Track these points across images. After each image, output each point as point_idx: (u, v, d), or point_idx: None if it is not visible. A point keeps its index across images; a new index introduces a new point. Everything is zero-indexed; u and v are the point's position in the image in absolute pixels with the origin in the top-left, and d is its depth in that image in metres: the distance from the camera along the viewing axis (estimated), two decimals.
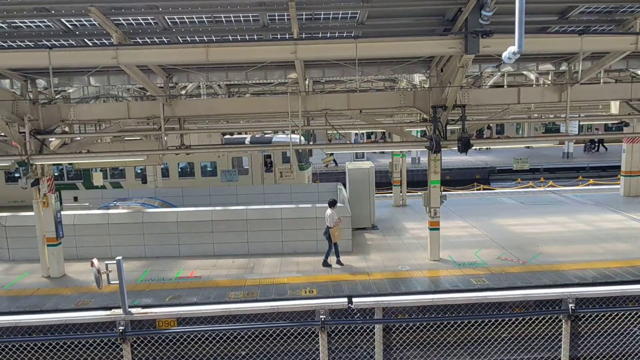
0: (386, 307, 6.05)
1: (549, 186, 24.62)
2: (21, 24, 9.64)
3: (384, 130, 23.38)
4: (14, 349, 6.53)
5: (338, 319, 6.45)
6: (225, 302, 10.19)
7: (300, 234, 13.74)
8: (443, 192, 12.81)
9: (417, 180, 28.32)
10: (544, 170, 32.83)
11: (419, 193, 17.09)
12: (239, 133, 23.48)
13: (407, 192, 19.87)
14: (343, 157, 29.62)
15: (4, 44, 10.34)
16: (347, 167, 16.89)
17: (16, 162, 11.46)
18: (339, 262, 12.53)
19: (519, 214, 17.71)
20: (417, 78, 15.37)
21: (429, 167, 12.43)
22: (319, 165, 28.28)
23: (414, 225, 16.42)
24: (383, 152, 37.02)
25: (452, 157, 31.98)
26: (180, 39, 10.36)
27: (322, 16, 9.87)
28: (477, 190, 26.09)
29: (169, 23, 9.83)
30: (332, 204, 12.62)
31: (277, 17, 9.77)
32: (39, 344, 6.16)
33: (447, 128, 11.98)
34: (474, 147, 11.79)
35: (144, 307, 6.00)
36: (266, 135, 23.97)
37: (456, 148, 11.59)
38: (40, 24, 9.67)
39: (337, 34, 10.57)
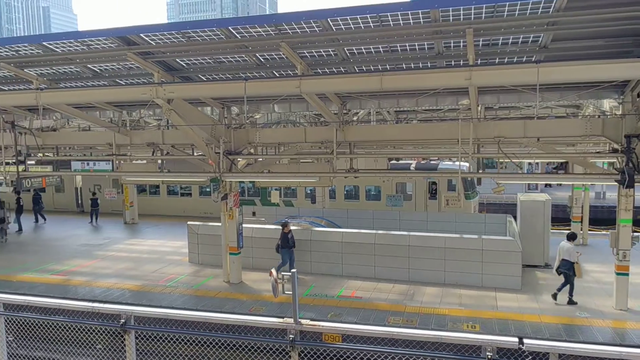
0: (563, 353, 5.49)
1: None
2: (224, 59, 11.18)
3: (562, 160, 21.41)
4: (200, 343, 7.44)
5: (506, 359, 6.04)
6: (386, 326, 10.26)
7: (465, 266, 13.23)
8: (635, 233, 11.25)
9: (600, 218, 25.28)
10: None
11: (604, 232, 15.22)
12: (411, 158, 23.67)
13: (589, 229, 17.82)
14: (514, 187, 27.79)
15: (209, 77, 12.07)
16: (518, 199, 15.83)
17: (210, 179, 13.15)
18: (571, 300, 11.68)
19: None
20: (607, 104, 13.83)
21: (619, 204, 11.04)
22: (487, 194, 26.95)
23: (596, 267, 14.63)
24: (560, 184, 33.84)
25: None
26: (356, 69, 10.95)
27: (500, 41, 9.58)
28: None
29: (348, 54, 10.48)
30: (572, 237, 11.98)
31: (452, 44, 9.76)
32: (221, 341, 6.91)
33: None
34: None
35: (311, 319, 6.35)
36: (432, 162, 23.71)
37: None
38: (239, 59, 11.10)
39: (515, 59, 10.15)
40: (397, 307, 11.78)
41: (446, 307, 11.66)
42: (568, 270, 11.54)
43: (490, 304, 11.80)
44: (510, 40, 9.51)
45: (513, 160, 12.13)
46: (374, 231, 15.05)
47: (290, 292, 6.34)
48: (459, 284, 13.14)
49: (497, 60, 10.28)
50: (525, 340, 5.70)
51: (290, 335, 6.20)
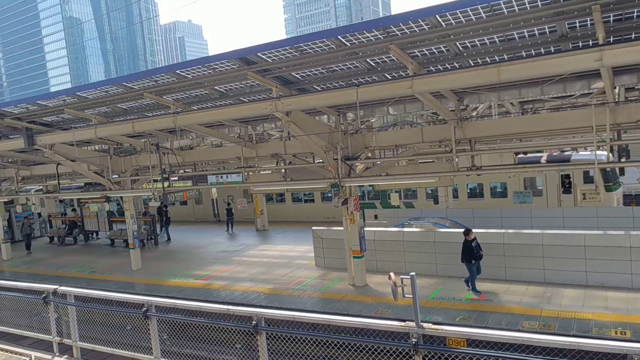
0: None
1: None
2: (336, 68, 11.46)
3: None
4: (326, 344, 7.66)
5: None
6: (518, 330, 9.68)
7: (610, 265, 11.98)
8: None
9: None
10: None
11: None
12: (540, 151, 21.99)
13: None
14: None
15: (323, 86, 12.45)
16: None
17: (330, 184, 13.51)
18: None
19: None
20: None
21: None
22: (635, 185, 24.04)
23: None
24: None
25: None
26: (471, 62, 10.54)
27: (634, 14, 8.58)
28: None
29: (460, 48, 10.13)
30: None
31: (577, 25, 8.96)
32: (346, 344, 7.06)
33: None
34: None
35: (434, 323, 6.24)
36: (565, 153, 21.75)
37: None
38: (350, 66, 11.31)
39: None
40: (531, 310, 11.04)
41: (590, 311, 10.66)
42: None
43: None
44: None
45: None
46: (502, 230, 14.27)
47: (411, 296, 6.31)
48: (604, 286, 11.93)
49: (633, 36, 9.20)
50: None
51: (413, 339, 6.15)
